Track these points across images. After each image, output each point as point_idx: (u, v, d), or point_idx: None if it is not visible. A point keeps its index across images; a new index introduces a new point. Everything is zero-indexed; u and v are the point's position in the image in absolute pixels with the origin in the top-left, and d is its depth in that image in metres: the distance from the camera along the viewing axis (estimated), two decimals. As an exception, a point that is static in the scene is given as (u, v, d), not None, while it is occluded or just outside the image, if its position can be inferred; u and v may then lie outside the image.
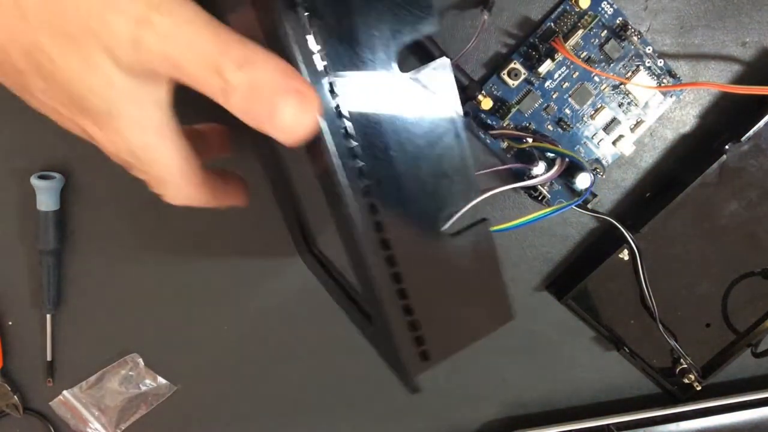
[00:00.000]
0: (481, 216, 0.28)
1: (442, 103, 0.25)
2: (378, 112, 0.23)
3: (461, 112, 0.25)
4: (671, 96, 0.40)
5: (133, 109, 0.22)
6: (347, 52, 0.22)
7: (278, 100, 0.20)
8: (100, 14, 0.19)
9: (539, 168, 0.38)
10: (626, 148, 0.40)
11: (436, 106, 0.25)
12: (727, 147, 0.38)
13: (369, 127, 0.23)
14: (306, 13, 0.20)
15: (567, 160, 0.38)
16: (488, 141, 0.40)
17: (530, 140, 0.38)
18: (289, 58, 0.21)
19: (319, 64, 0.21)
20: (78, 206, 0.40)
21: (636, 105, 0.40)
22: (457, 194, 0.26)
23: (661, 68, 0.39)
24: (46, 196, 0.38)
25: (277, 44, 0.21)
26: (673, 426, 0.43)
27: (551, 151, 0.38)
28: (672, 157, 0.41)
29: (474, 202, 0.26)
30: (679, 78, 0.40)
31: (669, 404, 0.44)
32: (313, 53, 0.21)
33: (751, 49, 0.40)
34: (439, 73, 0.24)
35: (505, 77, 0.39)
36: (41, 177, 0.38)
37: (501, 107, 0.39)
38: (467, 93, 0.38)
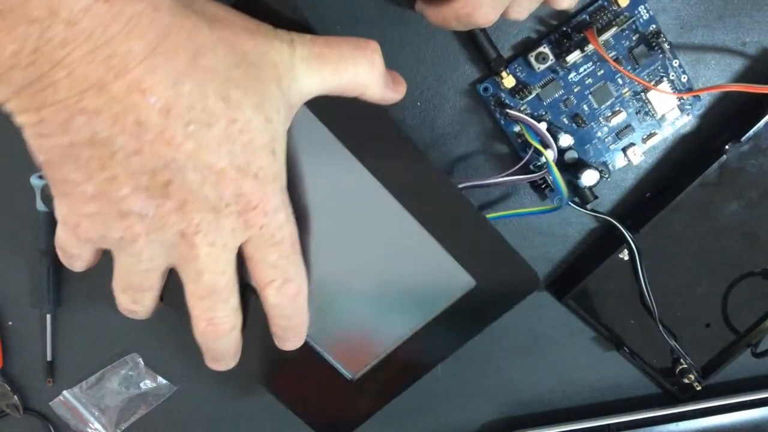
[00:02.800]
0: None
1: None
2: None
3: None
4: (688, 114, 0.40)
5: (283, 143, 0.28)
6: None
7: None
8: (267, 48, 0.27)
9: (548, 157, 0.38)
10: (635, 157, 0.40)
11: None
12: (727, 147, 0.38)
13: None
14: None
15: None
16: (502, 121, 0.39)
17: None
18: None
19: None
20: (78, 206, 0.40)
21: (653, 116, 0.40)
22: None
23: (683, 84, 0.40)
24: (46, 196, 0.38)
25: None
26: (673, 426, 0.43)
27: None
28: (672, 157, 0.41)
29: None
30: (698, 97, 0.40)
31: (669, 404, 0.44)
32: None
33: (751, 49, 0.40)
34: None
35: (532, 60, 0.38)
36: (41, 177, 0.38)
37: (522, 89, 0.39)
38: (491, 67, 0.38)
